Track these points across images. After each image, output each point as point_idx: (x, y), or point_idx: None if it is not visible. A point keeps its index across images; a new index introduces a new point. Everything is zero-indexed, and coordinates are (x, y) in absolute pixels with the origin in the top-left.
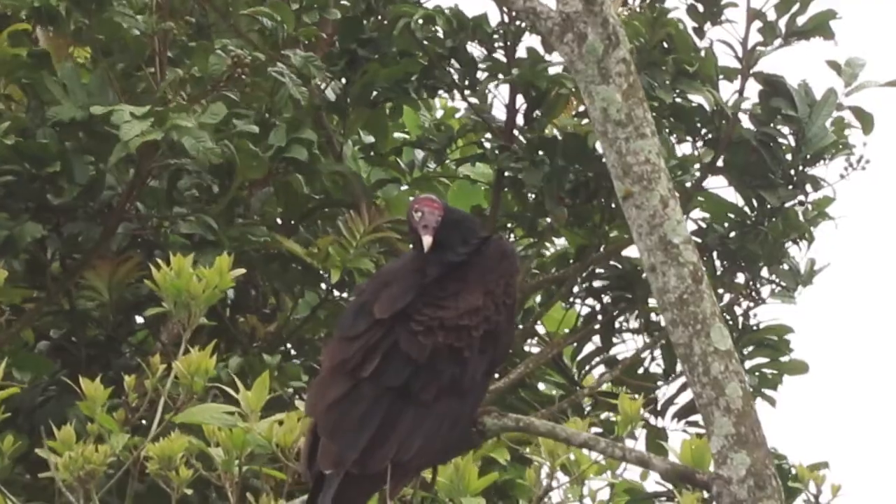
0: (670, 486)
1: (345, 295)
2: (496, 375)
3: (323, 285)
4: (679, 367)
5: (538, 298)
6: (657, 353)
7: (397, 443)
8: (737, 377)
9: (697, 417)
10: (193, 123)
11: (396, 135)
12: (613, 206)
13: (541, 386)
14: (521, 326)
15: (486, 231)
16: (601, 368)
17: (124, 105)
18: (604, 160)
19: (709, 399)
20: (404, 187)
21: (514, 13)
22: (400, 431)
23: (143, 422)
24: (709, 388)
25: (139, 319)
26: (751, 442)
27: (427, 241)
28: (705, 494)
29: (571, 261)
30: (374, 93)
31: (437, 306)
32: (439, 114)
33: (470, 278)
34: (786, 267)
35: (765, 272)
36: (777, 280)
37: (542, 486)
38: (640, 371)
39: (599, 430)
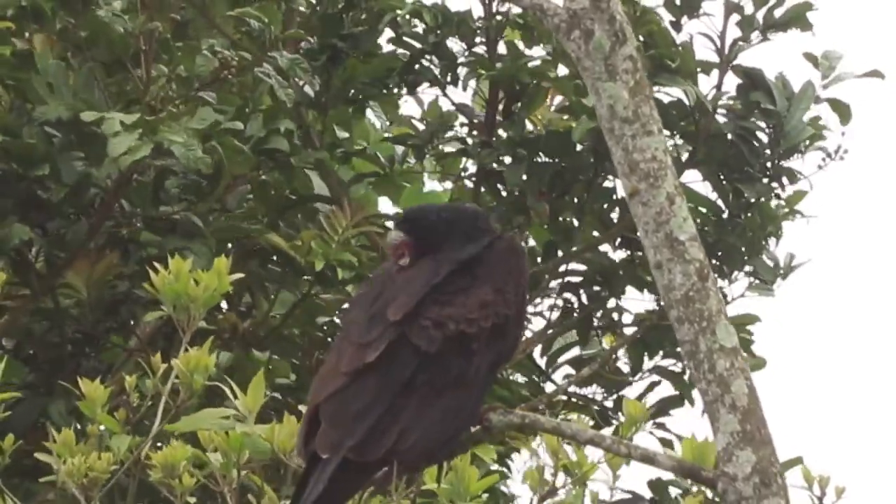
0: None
1: (325, 295)
2: None
3: (306, 284)
4: (645, 366)
5: None
6: (621, 352)
7: (397, 433)
8: (742, 374)
9: (665, 419)
10: (182, 136)
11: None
12: (586, 199)
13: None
14: None
15: (489, 224)
16: (570, 368)
17: (114, 113)
18: (583, 155)
19: (714, 396)
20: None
21: (495, 8)
22: (401, 422)
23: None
24: (714, 385)
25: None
26: (756, 439)
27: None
28: (709, 494)
29: (539, 259)
30: (353, 90)
31: (447, 303)
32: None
33: (480, 275)
34: (767, 261)
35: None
36: (756, 273)
37: (545, 486)
38: (606, 369)
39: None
